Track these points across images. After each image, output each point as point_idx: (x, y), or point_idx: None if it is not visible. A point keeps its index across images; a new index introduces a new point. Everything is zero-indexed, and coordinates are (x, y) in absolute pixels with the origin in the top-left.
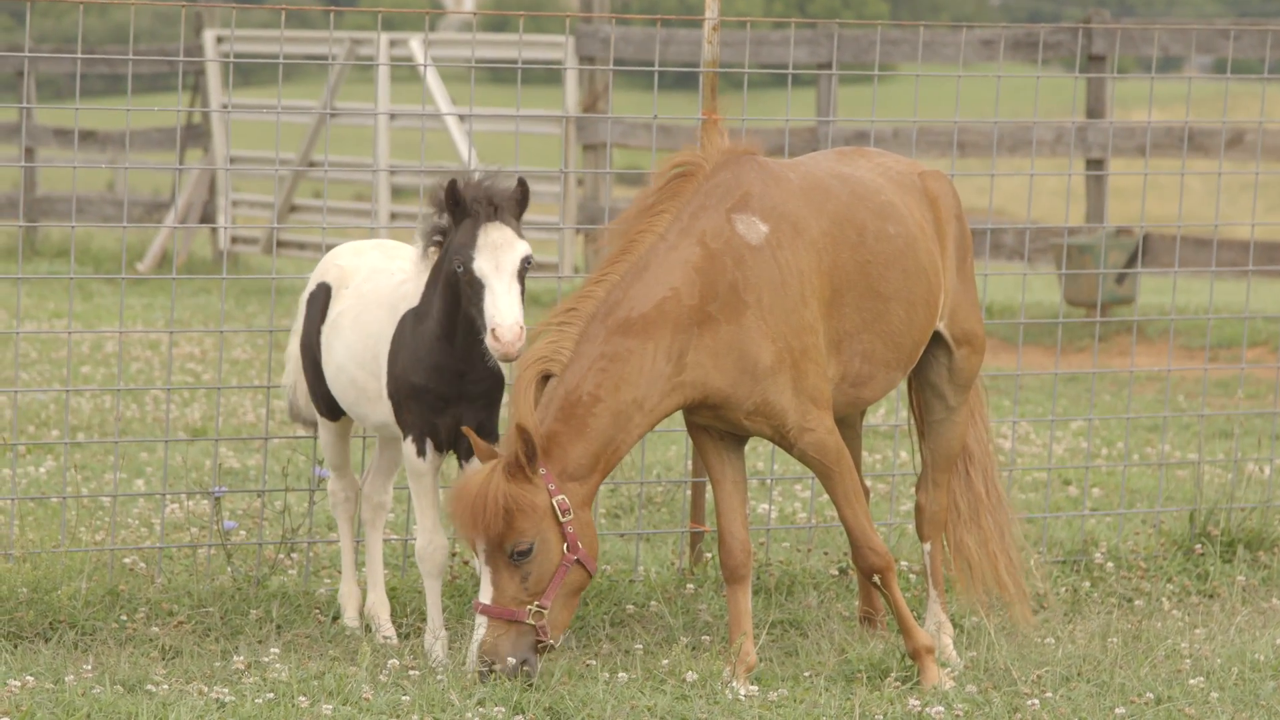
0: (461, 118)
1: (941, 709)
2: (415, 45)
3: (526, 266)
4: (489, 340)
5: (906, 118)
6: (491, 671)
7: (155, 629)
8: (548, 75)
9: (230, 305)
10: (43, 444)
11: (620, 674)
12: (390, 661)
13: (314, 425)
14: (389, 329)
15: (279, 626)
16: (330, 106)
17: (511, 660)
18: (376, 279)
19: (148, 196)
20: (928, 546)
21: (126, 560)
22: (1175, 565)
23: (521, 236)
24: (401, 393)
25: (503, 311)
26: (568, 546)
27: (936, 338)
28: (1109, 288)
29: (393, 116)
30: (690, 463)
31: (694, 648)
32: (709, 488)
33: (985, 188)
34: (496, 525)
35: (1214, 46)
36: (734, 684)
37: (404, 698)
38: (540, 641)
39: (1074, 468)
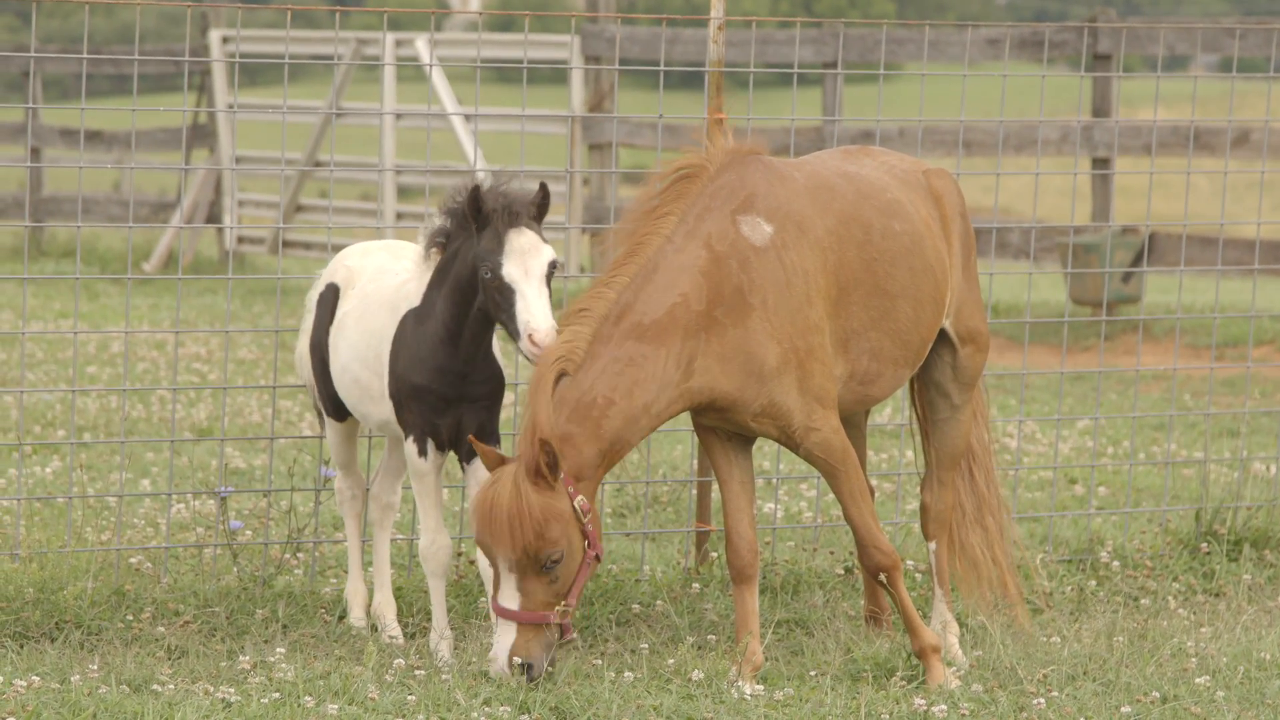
0: (467, 117)
1: (947, 708)
2: (421, 45)
3: (553, 271)
4: (524, 345)
5: (912, 117)
6: (527, 669)
7: (161, 629)
8: (553, 75)
9: (236, 305)
10: (49, 444)
11: (626, 673)
12: (396, 661)
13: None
14: (391, 329)
15: (285, 626)
16: (336, 106)
17: (543, 656)
18: (381, 279)
19: (154, 196)
20: (933, 546)
21: (132, 560)
22: (1181, 564)
23: (546, 241)
24: (403, 393)
25: (537, 316)
26: (588, 544)
27: (941, 336)
28: (1115, 286)
29: (399, 116)
30: (696, 462)
31: (700, 647)
32: (715, 487)
33: (991, 187)
34: (530, 537)
35: (1220, 45)
36: (740, 683)
37: (410, 697)
38: (564, 636)
39: (1080, 467)
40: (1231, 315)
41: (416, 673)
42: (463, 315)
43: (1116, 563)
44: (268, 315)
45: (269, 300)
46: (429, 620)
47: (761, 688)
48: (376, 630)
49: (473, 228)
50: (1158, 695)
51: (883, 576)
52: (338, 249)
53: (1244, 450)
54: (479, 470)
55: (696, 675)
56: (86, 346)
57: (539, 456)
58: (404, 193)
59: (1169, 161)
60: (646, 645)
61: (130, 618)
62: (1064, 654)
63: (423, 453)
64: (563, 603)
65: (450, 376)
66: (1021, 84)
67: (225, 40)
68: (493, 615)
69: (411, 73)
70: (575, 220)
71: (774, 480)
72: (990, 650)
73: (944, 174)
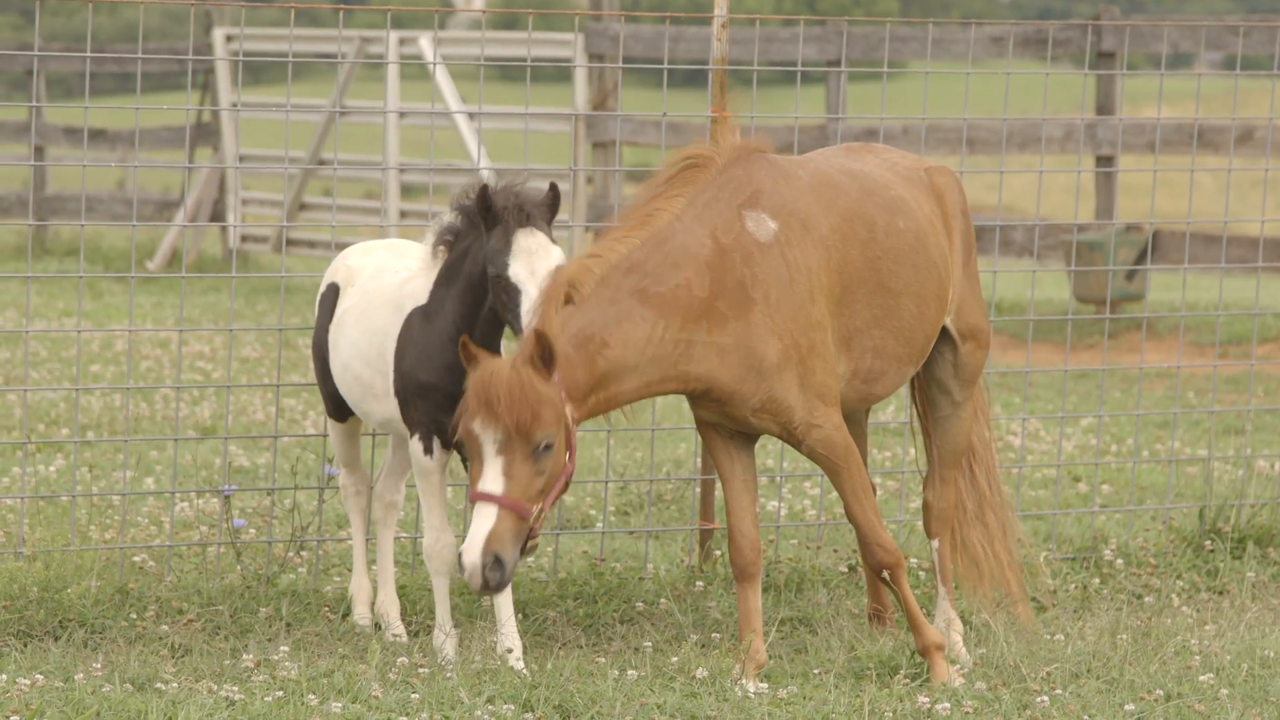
0: (471, 116)
1: (950, 706)
2: (425, 43)
3: None
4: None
5: (916, 115)
6: (499, 564)
7: (165, 627)
8: (557, 73)
9: (240, 303)
10: (53, 442)
11: (630, 671)
12: (399, 659)
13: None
14: (395, 326)
15: (288, 624)
16: (340, 105)
17: (514, 558)
18: (381, 277)
19: (157, 195)
20: (936, 544)
21: (136, 559)
22: (1185, 562)
23: (554, 242)
24: (409, 390)
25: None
26: (570, 457)
27: (942, 333)
28: (1119, 284)
29: (402, 115)
30: (700, 460)
31: (703, 645)
32: (718, 485)
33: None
34: (526, 414)
35: (1224, 43)
36: (743, 681)
37: (413, 695)
38: (530, 541)
39: (1084, 464)
40: (1235, 313)
41: (420, 671)
42: (473, 314)
43: (1120, 560)
44: (271, 314)
45: (272, 299)
46: (432, 618)
47: (765, 686)
48: (380, 628)
49: (482, 226)
50: (1161, 693)
51: (886, 574)
52: (341, 248)
53: (1248, 448)
54: None
55: (700, 673)
56: (90, 345)
57: (537, 346)
58: (408, 191)
59: (1173, 159)
60: (650, 643)
61: (134, 616)
62: (1068, 652)
63: (428, 450)
64: (539, 505)
65: (458, 374)
66: (1025, 82)
67: (229, 39)
68: (470, 504)
69: (415, 71)
70: (579, 219)
71: (778, 478)
72: (994, 648)
73: (946, 171)
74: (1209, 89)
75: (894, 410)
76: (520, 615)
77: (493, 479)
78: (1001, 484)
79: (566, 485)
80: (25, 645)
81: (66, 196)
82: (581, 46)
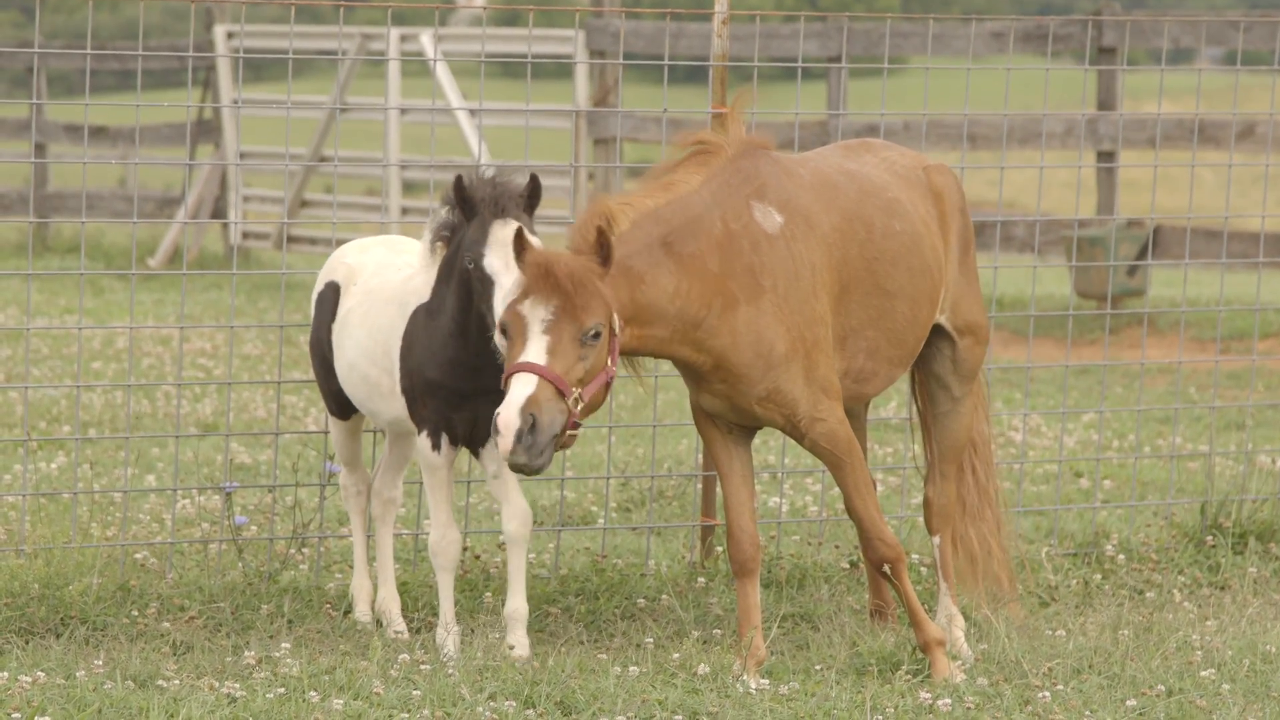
0: (472, 112)
1: (952, 702)
2: (426, 40)
3: None
4: (498, 337)
5: (917, 110)
6: (534, 427)
7: (166, 624)
8: (558, 70)
9: (241, 300)
10: (54, 440)
11: (631, 668)
12: (401, 656)
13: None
14: (400, 324)
15: (290, 621)
16: (341, 101)
17: (552, 426)
18: (383, 274)
19: (159, 192)
20: (937, 540)
21: (138, 556)
22: (1186, 557)
23: (533, 232)
24: (416, 388)
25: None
26: (610, 360)
27: (939, 330)
28: (1120, 280)
29: (403, 111)
30: (701, 457)
31: (705, 641)
32: (719, 481)
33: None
34: (581, 297)
35: (1225, 38)
36: (745, 677)
37: (415, 692)
38: (569, 432)
39: (1085, 460)
40: (1236, 308)
41: (421, 667)
42: (469, 308)
43: (1121, 556)
44: (272, 310)
45: (274, 296)
46: (433, 615)
47: (767, 682)
48: (381, 625)
49: (459, 217)
50: (1163, 688)
51: (887, 568)
52: (342, 244)
53: (1249, 443)
54: (494, 453)
55: (702, 669)
56: (91, 342)
57: (598, 242)
58: (409, 188)
59: (1174, 155)
60: (652, 639)
61: (135, 613)
62: (1069, 647)
63: (436, 447)
64: (578, 391)
65: (464, 370)
66: (1026, 77)
67: (230, 36)
68: (508, 380)
69: (416, 68)
70: (580, 214)
71: (779, 474)
72: (995, 644)
73: (944, 170)
74: (1210, 84)
75: (895, 406)
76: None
77: (536, 352)
78: (997, 480)
79: (607, 388)
80: (27, 642)
81: (68, 194)
82: (582, 43)
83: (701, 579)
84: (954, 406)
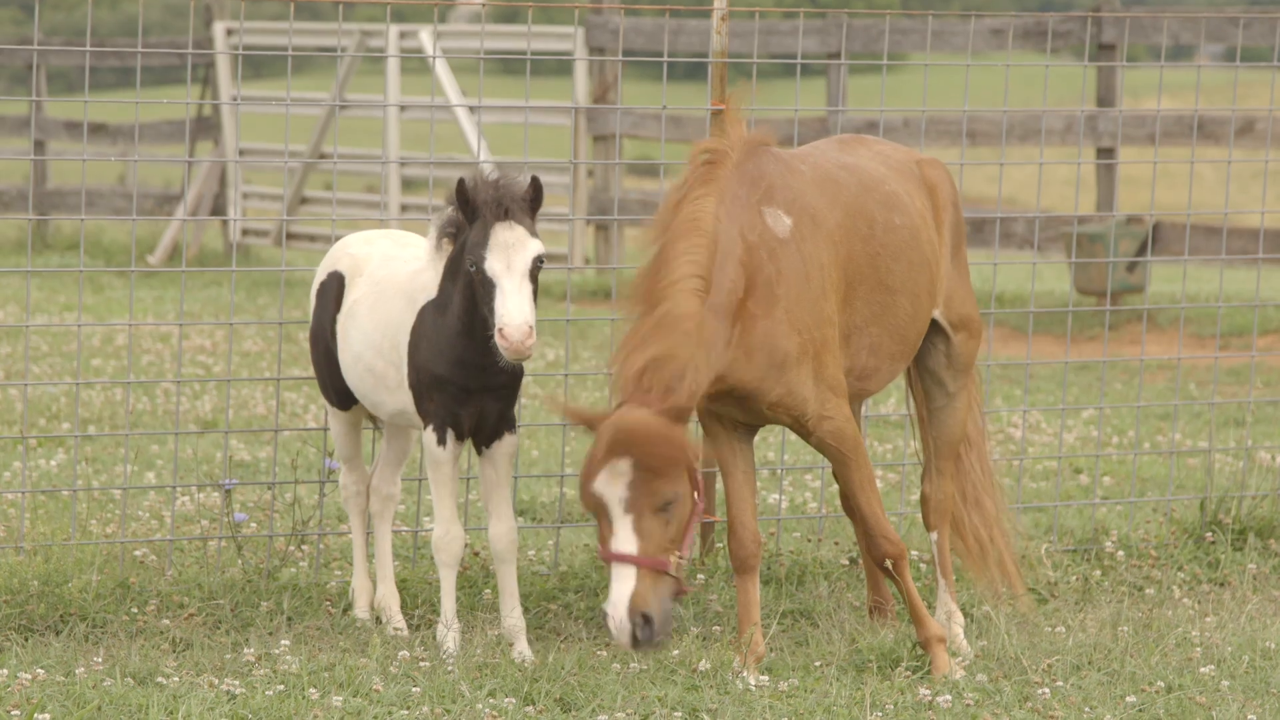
0: (471, 109)
1: (951, 698)
2: (425, 37)
3: (539, 266)
4: (497, 339)
5: (916, 107)
6: (649, 624)
7: (166, 621)
8: (558, 66)
9: (241, 297)
10: (53, 437)
11: (631, 664)
12: (401, 653)
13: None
14: (408, 318)
15: (289, 618)
16: (340, 98)
17: (664, 612)
18: (391, 266)
19: (158, 189)
20: (935, 536)
21: (137, 553)
22: (1186, 553)
23: (534, 235)
24: (424, 383)
25: (511, 312)
26: (697, 494)
27: (934, 324)
28: (1119, 276)
29: (403, 108)
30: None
31: (705, 638)
32: (719, 478)
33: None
34: (652, 464)
35: (1224, 34)
36: (744, 674)
37: (414, 689)
38: (680, 592)
39: (1085, 456)
40: (1236, 304)
41: (421, 664)
42: (474, 307)
43: (1121, 552)
44: (272, 308)
45: (273, 292)
46: (433, 612)
47: (766, 678)
48: (380, 623)
49: (463, 218)
50: (1163, 685)
51: (889, 563)
52: (339, 240)
53: (1249, 439)
54: (496, 456)
55: (702, 666)
56: (91, 339)
57: (673, 410)
58: (408, 185)
59: (1173, 151)
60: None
61: (135, 610)
62: (1069, 644)
63: (442, 442)
64: (677, 553)
65: (470, 368)
66: (1025, 74)
67: (229, 33)
68: (607, 565)
69: (415, 64)
70: (580, 211)
71: (779, 471)
72: (995, 640)
73: (937, 164)
74: (1209, 81)
75: (894, 403)
76: (522, 609)
77: (625, 538)
78: (994, 472)
79: (699, 523)
80: (26, 640)
81: (67, 191)
82: (582, 40)
83: (701, 575)
84: (949, 402)
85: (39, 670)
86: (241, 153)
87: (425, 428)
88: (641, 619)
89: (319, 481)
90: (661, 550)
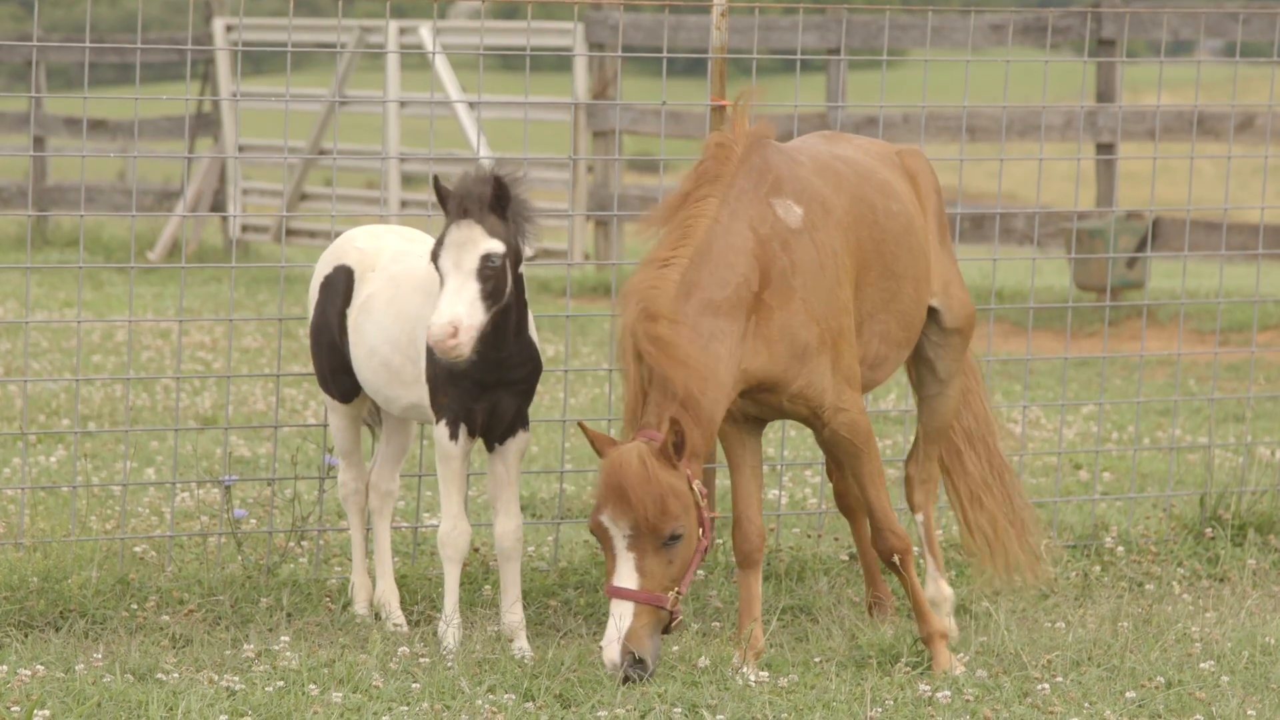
0: (471, 105)
1: (951, 694)
2: (425, 33)
3: (490, 265)
4: (426, 335)
5: (916, 102)
6: (639, 663)
7: (165, 617)
8: (557, 62)
9: (240, 294)
10: (53, 433)
11: None
12: (400, 649)
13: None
14: (427, 313)
15: (289, 614)
16: (340, 94)
17: (655, 651)
18: (405, 260)
19: (158, 185)
20: (920, 517)
21: (137, 549)
22: (1186, 549)
23: (493, 234)
24: (440, 377)
25: (440, 310)
26: (703, 531)
27: (930, 312)
28: (1119, 272)
29: (402, 104)
30: None
31: (704, 634)
32: (719, 473)
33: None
34: (655, 510)
35: (1224, 30)
36: (744, 670)
37: (414, 685)
38: (672, 622)
39: (1084, 452)
40: (1236, 300)
41: (421, 660)
42: None
43: (1121, 548)
44: (272, 304)
45: (273, 289)
46: (433, 608)
47: (766, 674)
48: (380, 619)
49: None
50: (1162, 680)
51: (896, 558)
52: (342, 234)
53: (1248, 435)
54: (507, 452)
55: (701, 662)
56: (91, 335)
57: (669, 436)
58: (408, 181)
59: (1173, 146)
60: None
61: (135, 606)
62: (1069, 639)
63: (454, 436)
64: (675, 589)
65: (486, 362)
66: (1025, 69)
67: (229, 29)
68: (610, 600)
69: (415, 60)
70: (579, 207)
71: (779, 467)
72: (995, 635)
73: (916, 153)
74: (1209, 76)
75: (895, 398)
76: (523, 604)
77: (626, 575)
78: (1003, 457)
79: (704, 557)
80: (26, 636)
81: (67, 187)
82: (581, 35)
83: (700, 572)
84: (941, 390)
85: (39, 666)
86: (241, 149)
87: (438, 422)
88: (634, 659)
89: (319, 477)
90: (661, 588)
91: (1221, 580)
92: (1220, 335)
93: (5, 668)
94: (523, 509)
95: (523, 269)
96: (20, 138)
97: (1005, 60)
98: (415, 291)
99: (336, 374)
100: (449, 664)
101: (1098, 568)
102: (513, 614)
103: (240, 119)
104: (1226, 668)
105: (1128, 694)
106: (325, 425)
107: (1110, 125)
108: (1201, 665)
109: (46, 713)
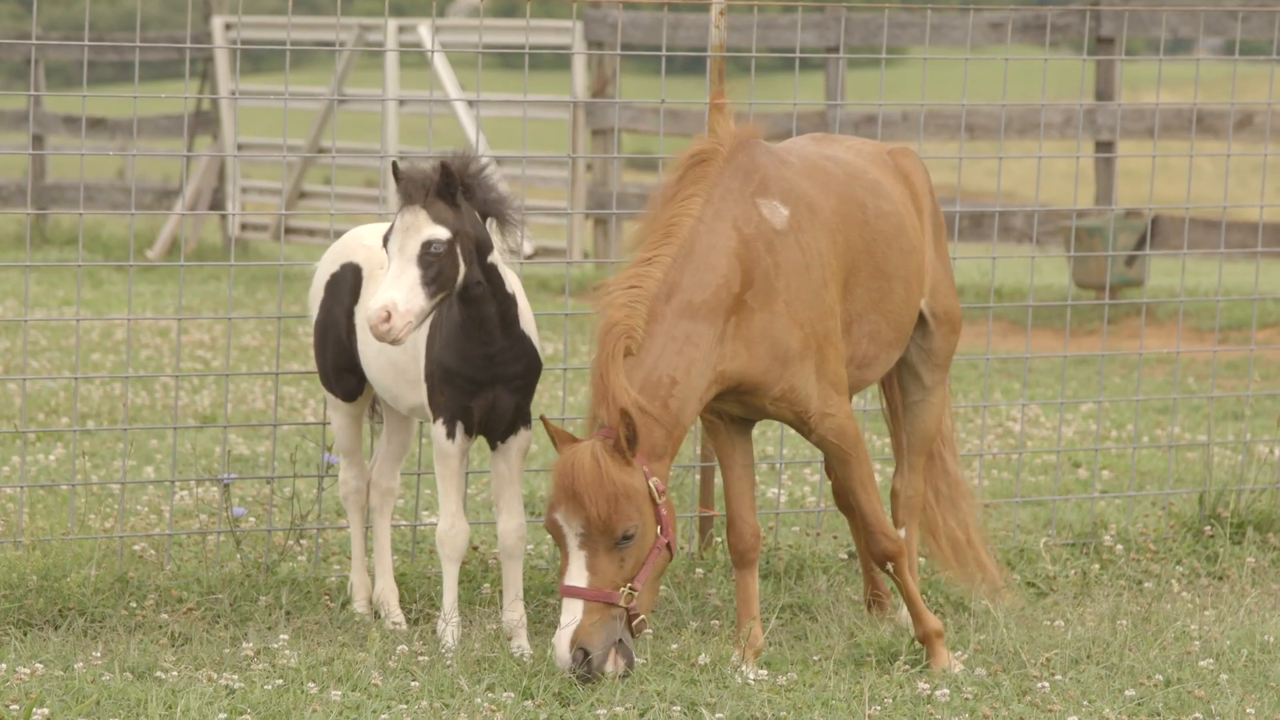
0: (470, 103)
1: (950, 692)
2: (424, 31)
3: (432, 251)
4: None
5: (915, 101)
6: (587, 659)
7: (164, 616)
8: (556, 60)
9: (239, 292)
10: (52, 431)
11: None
12: (399, 647)
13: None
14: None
15: (288, 613)
16: (339, 92)
17: (605, 646)
18: None
19: (157, 183)
20: (903, 532)
21: (136, 547)
22: (1185, 547)
23: (439, 221)
24: (436, 375)
25: (378, 294)
26: (661, 529)
27: (919, 316)
28: (1118, 270)
29: (401, 102)
30: (699, 448)
31: (703, 632)
32: (717, 472)
33: (993, 170)
34: (605, 510)
35: (1223, 28)
36: (743, 668)
37: (413, 683)
38: (634, 620)
39: (1084, 450)
40: (1235, 298)
41: (420, 659)
42: None
43: (1120, 546)
44: (271, 302)
45: (272, 287)
46: (432, 607)
47: (765, 672)
48: (379, 617)
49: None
50: (1161, 678)
51: (890, 565)
52: (341, 235)
53: (1247, 433)
54: (510, 451)
55: (701, 660)
56: (90, 334)
57: (620, 429)
58: None
59: (1172, 145)
60: (650, 630)
61: (134, 605)
62: (1067, 637)
63: (450, 435)
64: (628, 585)
65: (478, 360)
66: (1024, 67)
67: (228, 27)
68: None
69: (414, 59)
70: (578, 205)
71: (778, 465)
72: (994, 634)
73: (908, 152)
74: (1208, 74)
75: None
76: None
77: (576, 573)
78: (961, 469)
79: (671, 554)
80: (25, 634)
81: (66, 185)
82: (580, 33)
83: (699, 570)
84: (925, 396)
85: (38, 665)
86: (240, 147)
87: (435, 420)
88: (581, 653)
89: (318, 476)
90: (612, 585)
91: (1220, 578)
92: (1219, 333)
93: (4, 666)
94: (525, 507)
95: (502, 260)
96: (19, 136)
97: (1004, 58)
98: None
99: (341, 372)
100: (448, 662)
101: (1097, 566)
102: (513, 612)
103: (239, 117)
104: (1225, 665)
105: (1127, 692)
106: (324, 424)
107: (1109, 123)
108: (1200, 663)
109: (45, 711)
